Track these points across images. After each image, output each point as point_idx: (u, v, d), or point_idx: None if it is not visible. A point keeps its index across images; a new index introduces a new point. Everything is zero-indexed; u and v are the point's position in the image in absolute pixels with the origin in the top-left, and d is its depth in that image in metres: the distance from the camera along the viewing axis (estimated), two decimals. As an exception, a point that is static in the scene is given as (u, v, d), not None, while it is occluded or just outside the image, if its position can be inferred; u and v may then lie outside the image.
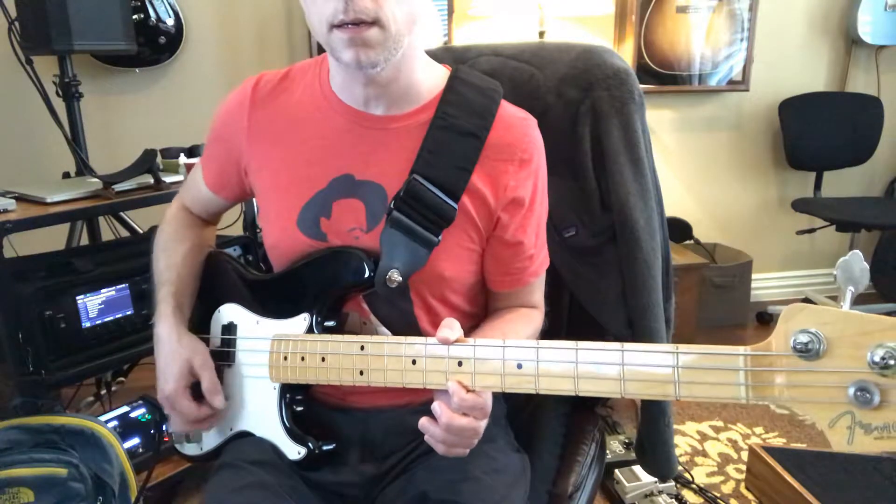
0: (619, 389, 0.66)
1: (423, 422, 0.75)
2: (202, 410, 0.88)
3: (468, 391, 0.73)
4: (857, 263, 0.61)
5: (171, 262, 0.96)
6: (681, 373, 0.64)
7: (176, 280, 0.95)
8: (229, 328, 0.94)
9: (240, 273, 0.97)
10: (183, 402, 0.88)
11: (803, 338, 0.57)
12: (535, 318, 0.94)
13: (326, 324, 0.87)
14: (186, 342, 0.90)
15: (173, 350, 0.89)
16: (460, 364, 0.74)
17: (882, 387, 0.55)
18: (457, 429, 0.73)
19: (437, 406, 0.74)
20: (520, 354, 0.71)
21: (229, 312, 0.95)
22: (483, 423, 0.75)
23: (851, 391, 0.56)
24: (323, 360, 0.82)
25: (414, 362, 0.77)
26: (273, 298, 0.91)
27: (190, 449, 1.00)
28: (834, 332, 0.57)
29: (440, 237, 0.83)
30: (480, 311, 0.96)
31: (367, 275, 0.82)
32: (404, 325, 0.86)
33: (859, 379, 0.56)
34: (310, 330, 0.86)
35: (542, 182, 0.90)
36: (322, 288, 0.86)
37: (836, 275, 0.61)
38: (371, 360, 0.79)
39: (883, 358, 0.54)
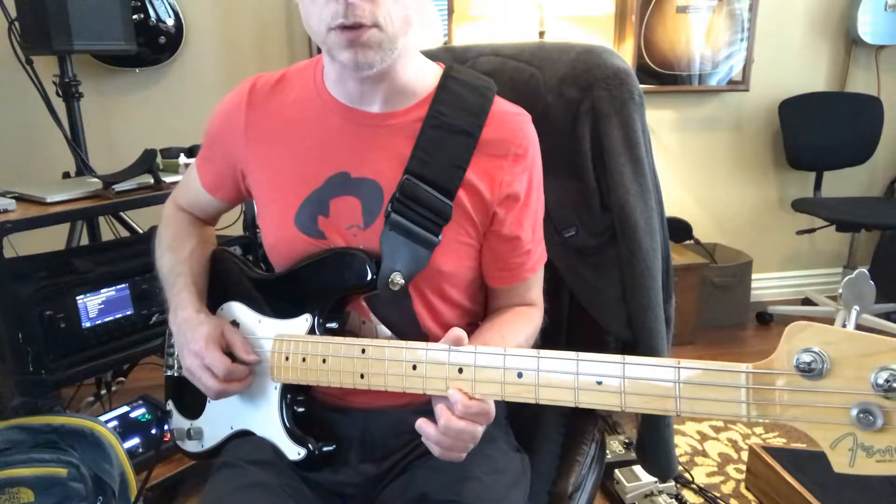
0: (619, 403, 0.66)
1: (420, 423, 0.75)
2: (236, 365, 0.85)
3: (471, 398, 0.73)
4: (863, 283, 0.60)
5: (180, 258, 0.97)
6: (682, 388, 0.63)
7: (190, 273, 0.95)
8: (232, 326, 0.94)
9: (244, 271, 0.97)
10: (214, 354, 0.84)
11: (806, 357, 0.57)
12: (535, 316, 0.93)
13: (328, 325, 0.87)
14: (214, 318, 0.90)
15: (201, 322, 0.87)
16: (461, 371, 0.73)
17: (885, 409, 0.54)
18: (454, 431, 0.73)
19: (439, 408, 0.74)
20: (520, 363, 0.71)
21: (232, 310, 0.95)
22: (482, 428, 0.75)
23: (854, 413, 0.55)
24: (324, 361, 0.82)
25: (414, 367, 0.76)
26: (276, 298, 0.91)
27: (191, 446, 1.00)
28: (838, 352, 0.56)
29: (440, 237, 0.83)
30: (480, 308, 0.96)
31: (369, 278, 0.82)
32: (405, 322, 0.86)
33: (862, 401, 0.55)
34: (311, 331, 0.86)
35: (537, 177, 0.90)
36: (324, 289, 0.86)
37: (842, 293, 0.61)
38: (372, 363, 0.79)
39: (887, 381, 0.53)
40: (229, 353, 0.87)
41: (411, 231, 0.82)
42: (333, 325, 0.87)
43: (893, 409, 0.54)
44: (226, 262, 1.00)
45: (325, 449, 0.87)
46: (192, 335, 0.87)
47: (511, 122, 0.87)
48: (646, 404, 0.65)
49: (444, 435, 0.73)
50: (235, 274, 0.98)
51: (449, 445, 0.74)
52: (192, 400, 0.99)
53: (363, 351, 0.80)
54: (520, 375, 0.71)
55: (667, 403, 0.64)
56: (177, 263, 0.96)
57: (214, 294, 0.98)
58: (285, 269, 0.91)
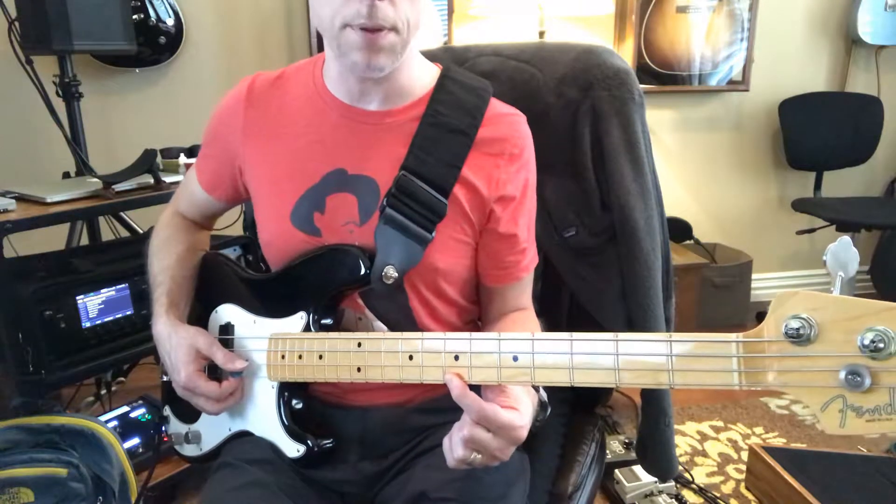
0: (613, 379, 0.66)
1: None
2: (225, 385, 0.87)
3: (504, 406, 0.70)
4: (846, 249, 0.61)
5: (164, 265, 0.97)
6: (675, 361, 0.64)
7: (169, 282, 0.95)
8: (227, 328, 0.94)
9: (236, 273, 0.97)
10: (201, 384, 0.86)
11: (794, 323, 0.58)
12: (539, 327, 0.93)
13: (323, 322, 0.87)
14: (183, 331, 0.90)
15: (173, 342, 0.89)
16: (457, 358, 0.74)
17: (873, 370, 0.56)
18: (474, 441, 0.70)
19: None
20: (515, 347, 0.71)
21: (226, 313, 0.95)
22: (503, 450, 0.71)
23: (843, 375, 0.57)
24: (320, 357, 0.82)
25: (411, 357, 0.76)
26: (269, 297, 0.91)
27: (189, 450, 0.99)
28: (825, 317, 0.58)
29: (433, 233, 0.84)
30: (476, 306, 0.96)
31: (363, 272, 0.82)
32: (401, 318, 0.86)
33: (850, 363, 0.56)
34: (307, 328, 0.86)
35: (532, 176, 0.91)
36: (318, 286, 0.86)
37: (826, 260, 0.62)
38: (368, 356, 0.79)
39: (873, 341, 0.55)
40: (213, 365, 0.88)
41: (405, 226, 0.82)
42: (328, 321, 0.87)
43: (880, 368, 0.56)
44: (218, 264, 1.00)
45: (324, 445, 0.87)
46: (171, 365, 0.89)
47: (507, 122, 0.88)
48: (640, 379, 0.66)
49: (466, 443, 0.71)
50: (228, 276, 0.98)
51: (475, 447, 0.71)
52: (188, 404, 0.98)
53: (359, 345, 0.80)
54: (515, 359, 0.71)
55: (660, 377, 0.64)
56: (159, 272, 0.96)
57: (208, 297, 0.98)
58: (279, 267, 0.91)
